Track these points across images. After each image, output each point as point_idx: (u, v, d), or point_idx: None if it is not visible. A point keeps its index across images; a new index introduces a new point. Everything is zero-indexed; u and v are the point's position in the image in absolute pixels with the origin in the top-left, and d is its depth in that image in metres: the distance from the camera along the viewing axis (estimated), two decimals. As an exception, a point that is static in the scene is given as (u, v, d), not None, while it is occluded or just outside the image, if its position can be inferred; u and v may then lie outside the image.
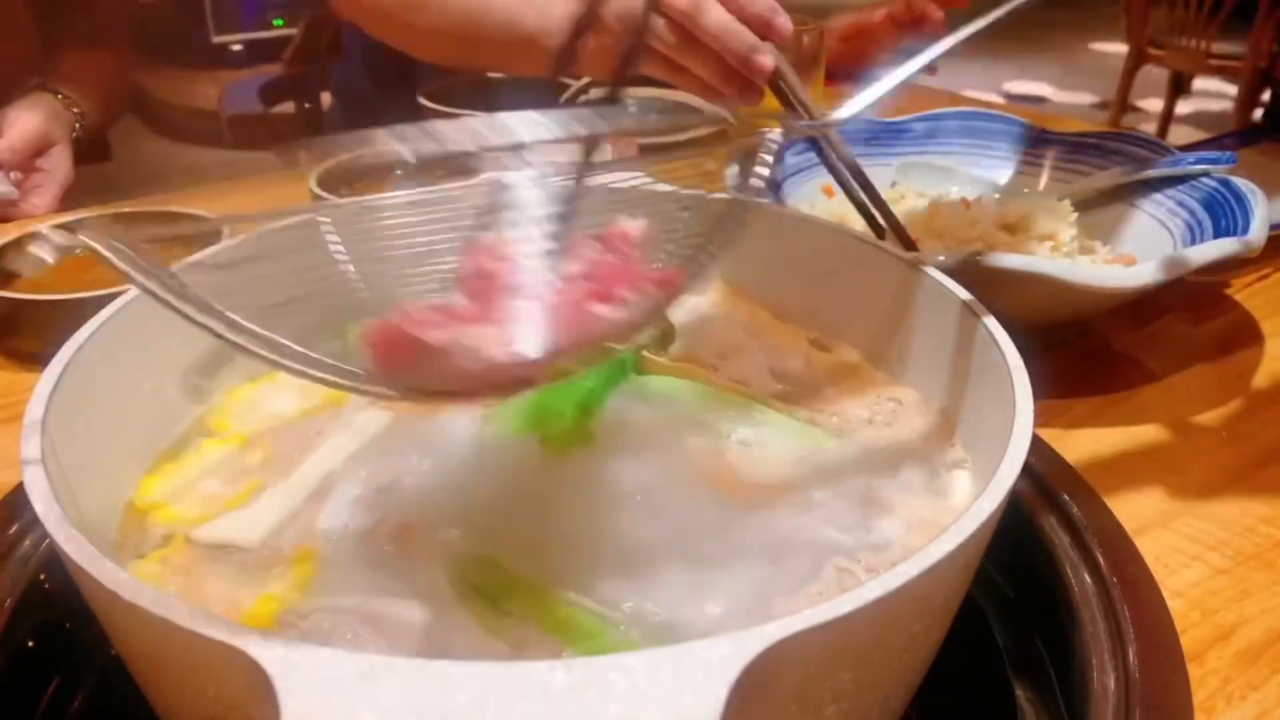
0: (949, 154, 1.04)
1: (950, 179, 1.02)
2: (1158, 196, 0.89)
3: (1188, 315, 0.86)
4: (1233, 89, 3.63)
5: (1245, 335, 0.84)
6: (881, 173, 1.03)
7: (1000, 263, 0.67)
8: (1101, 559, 0.54)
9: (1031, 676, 0.53)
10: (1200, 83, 4.27)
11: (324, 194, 0.93)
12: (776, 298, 0.67)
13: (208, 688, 0.33)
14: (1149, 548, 0.57)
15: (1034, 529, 0.57)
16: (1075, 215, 0.91)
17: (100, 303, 0.51)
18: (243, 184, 1.21)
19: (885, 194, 0.99)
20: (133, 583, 0.32)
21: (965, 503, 0.50)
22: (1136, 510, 0.62)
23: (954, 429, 0.54)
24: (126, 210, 0.89)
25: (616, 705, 0.28)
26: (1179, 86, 3.87)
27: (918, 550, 0.34)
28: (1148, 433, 0.69)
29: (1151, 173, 0.90)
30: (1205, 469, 0.66)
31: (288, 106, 1.85)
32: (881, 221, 0.66)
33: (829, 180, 1.01)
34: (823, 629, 0.32)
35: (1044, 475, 0.60)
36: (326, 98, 1.78)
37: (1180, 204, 0.87)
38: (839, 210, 0.95)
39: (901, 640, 0.37)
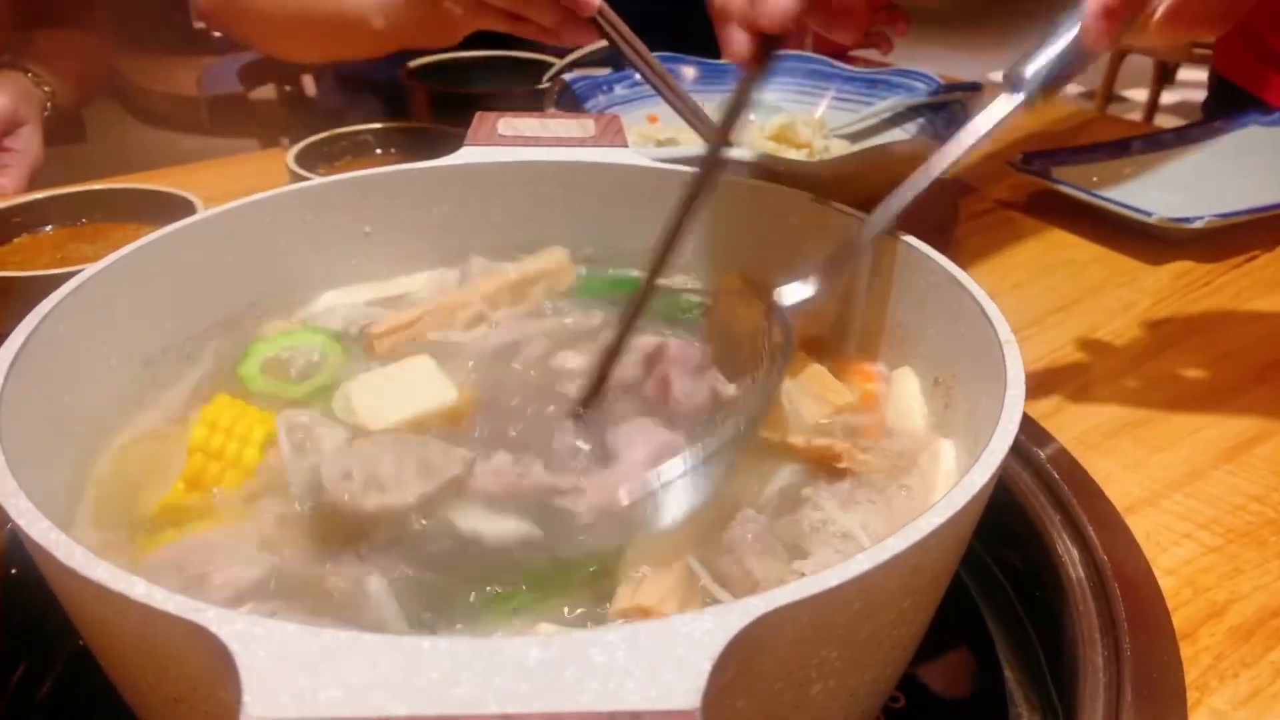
0: (770, 90, 1.12)
1: (767, 113, 1.10)
2: (921, 121, 1.01)
3: (1174, 296, 0.86)
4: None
5: (1233, 316, 0.83)
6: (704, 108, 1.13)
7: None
8: (1092, 537, 0.53)
9: (1020, 658, 0.53)
10: (1185, 72, 4.27)
11: (302, 172, 0.91)
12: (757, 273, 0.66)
13: (169, 666, 0.31)
14: (1139, 526, 0.56)
15: (1024, 508, 0.56)
16: (828, 128, 1.04)
17: (63, 280, 0.49)
18: (220, 163, 1.19)
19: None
20: (88, 557, 0.31)
21: (951, 475, 0.49)
22: (1126, 489, 0.61)
23: (945, 403, 0.53)
24: (100, 187, 0.87)
25: (595, 682, 0.26)
26: (1164, 75, 3.87)
27: (904, 526, 0.33)
28: (1138, 412, 0.69)
29: (909, 100, 1.01)
30: (1195, 447, 0.65)
31: (268, 90, 1.82)
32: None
33: (654, 109, 1.07)
34: (810, 602, 0.30)
35: (1034, 454, 0.59)
36: (308, 80, 1.75)
37: (931, 123, 0.99)
38: (663, 135, 1.03)
39: (890, 616, 0.36)
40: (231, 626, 0.27)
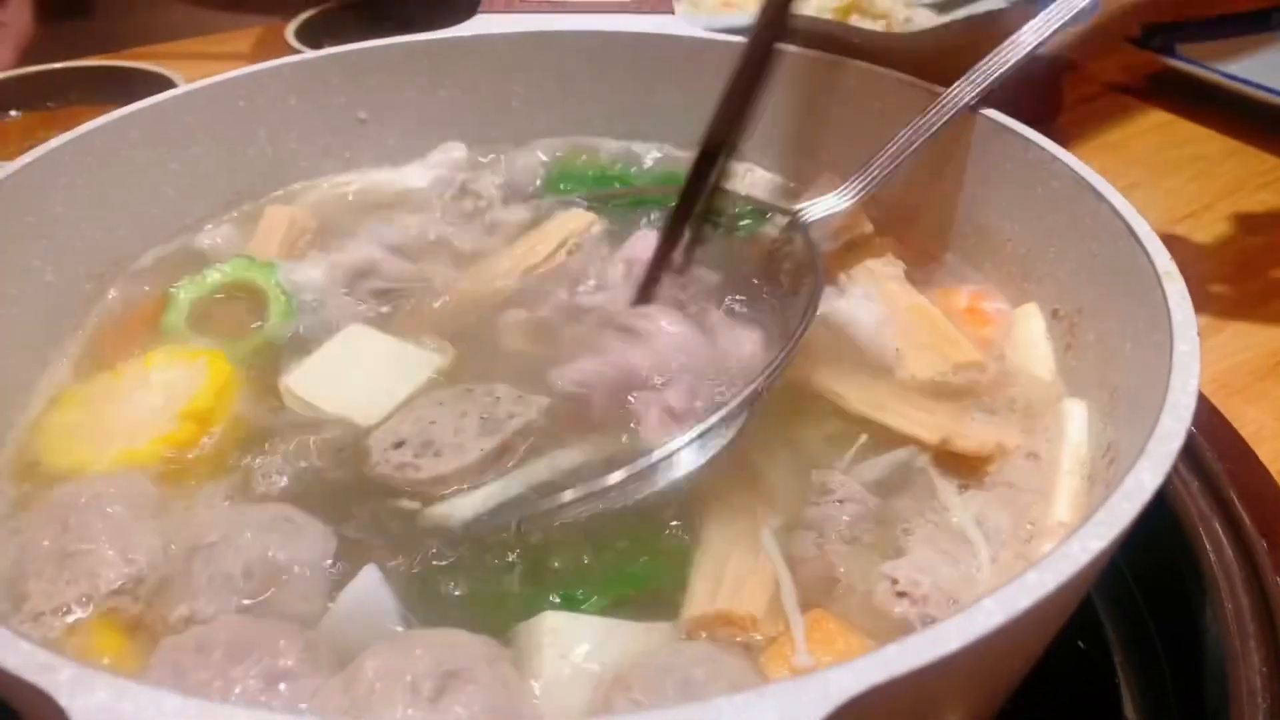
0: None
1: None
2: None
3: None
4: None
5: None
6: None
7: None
8: (1241, 515, 0.43)
9: (1143, 673, 0.43)
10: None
11: (303, 48, 0.80)
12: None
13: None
14: (1302, 500, 0.46)
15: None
16: None
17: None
18: (223, 38, 1.09)
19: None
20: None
21: (1081, 448, 0.38)
22: (1283, 449, 0.50)
23: (1066, 344, 0.43)
24: (78, 65, 0.78)
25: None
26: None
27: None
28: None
29: None
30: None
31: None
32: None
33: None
34: (928, 670, 0.22)
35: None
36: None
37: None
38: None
39: (1016, 662, 0.27)
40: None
